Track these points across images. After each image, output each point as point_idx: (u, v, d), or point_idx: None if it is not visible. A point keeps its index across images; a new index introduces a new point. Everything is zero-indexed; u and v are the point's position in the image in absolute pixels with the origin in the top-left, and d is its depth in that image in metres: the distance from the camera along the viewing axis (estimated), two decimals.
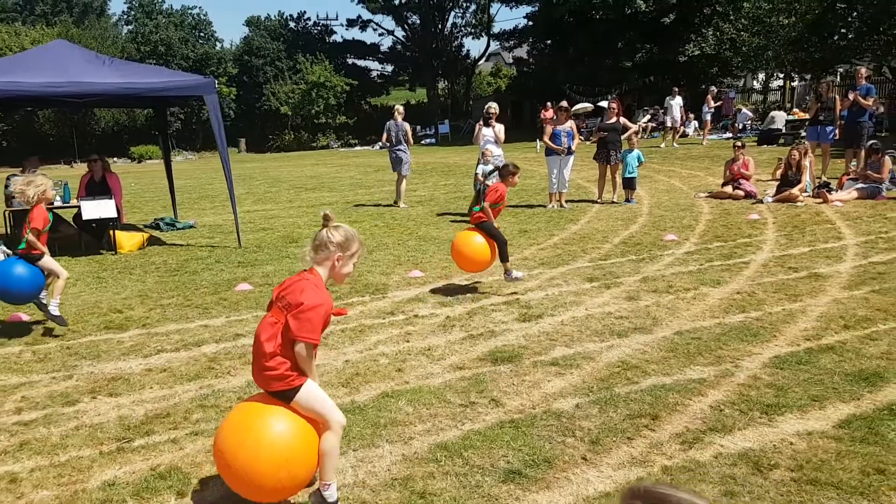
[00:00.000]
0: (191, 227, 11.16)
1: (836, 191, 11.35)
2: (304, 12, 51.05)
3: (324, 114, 43.09)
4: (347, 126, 46.07)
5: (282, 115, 43.90)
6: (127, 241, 9.06)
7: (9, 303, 5.57)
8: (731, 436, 3.43)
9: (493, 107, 11.56)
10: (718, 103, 23.39)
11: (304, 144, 43.54)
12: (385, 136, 13.15)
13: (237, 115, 48.28)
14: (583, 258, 7.75)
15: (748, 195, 11.57)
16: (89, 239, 9.21)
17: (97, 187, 9.93)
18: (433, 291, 6.50)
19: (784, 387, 3.99)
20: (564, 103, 11.98)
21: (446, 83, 55.59)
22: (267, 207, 13.53)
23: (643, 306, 5.77)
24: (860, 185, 11.07)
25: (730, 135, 24.92)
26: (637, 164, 11.89)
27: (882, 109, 19.17)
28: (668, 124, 22.86)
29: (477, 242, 6.26)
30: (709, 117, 23.21)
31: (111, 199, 9.17)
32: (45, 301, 5.44)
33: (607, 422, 3.63)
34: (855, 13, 25.61)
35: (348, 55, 51.10)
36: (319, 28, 51.02)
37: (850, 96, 12.57)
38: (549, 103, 25.01)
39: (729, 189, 11.76)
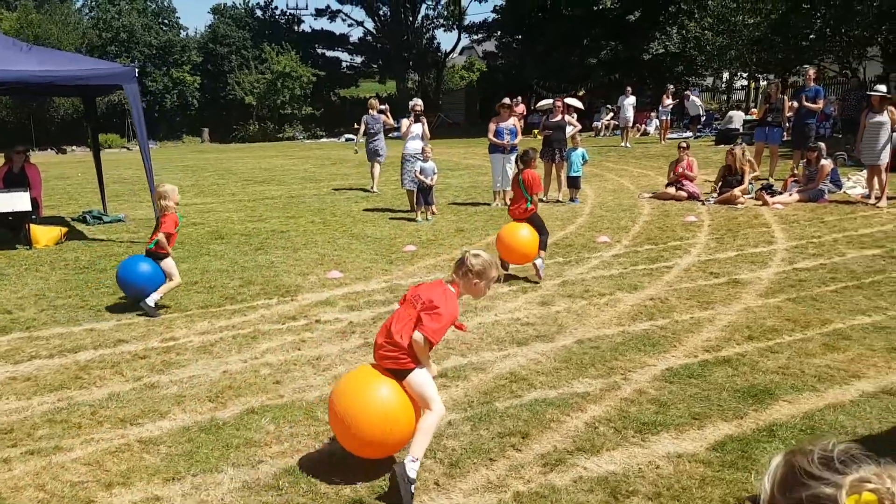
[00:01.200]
0: (119, 220, 10.79)
1: (780, 192, 11.34)
2: (272, 0, 50.26)
3: (290, 104, 42.48)
4: (314, 117, 45.51)
5: (246, 105, 43.18)
6: (43, 235, 8.70)
7: (127, 293, 5.93)
8: (598, 457, 3.27)
9: (419, 104, 11.37)
10: (673, 101, 23.28)
11: (270, 135, 42.89)
12: (363, 128, 13.60)
13: (201, 104, 47.45)
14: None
15: (691, 196, 11.51)
16: (4, 232, 8.83)
17: (14, 179, 9.53)
18: (347, 294, 6.28)
19: (667, 403, 3.85)
20: (507, 100, 11.80)
21: (417, 76, 55.24)
22: (207, 201, 13.18)
23: (553, 312, 5.62)
24: (800, 188, 11.06)
25: (690, 133, 24.99)
26: (582, 162, 11.76)
27: (834, 110, 19.28)
28: (621, 124, 22.64)
29: (523, 236, 6.55)
30: (665, 116, 23.09)
31: (27, 191, 8.79)
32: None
33: (475, 441, 3.45)
34: (818, 14, 25.75)
35: (317, 45, 50.46)
36: (287, 17, 50.27)
37: (796, 101, 12.61)
38: (518, 98, 24.79)
39: (672, 190, 11.69)
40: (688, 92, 24.63)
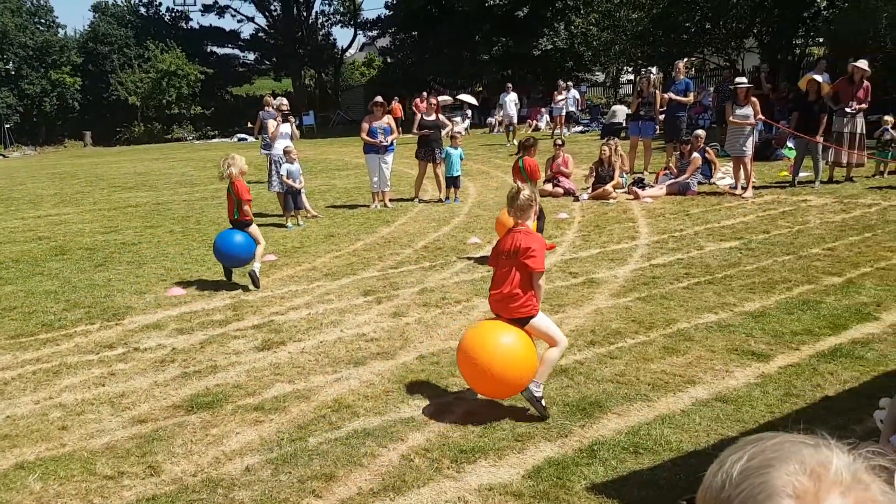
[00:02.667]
0: None
1: (651, 186, 11.52)
2: None
3: (176, 104, 40.56)
4: (205, 117, 43.70)
5: (131, 105, 40.96)
6: None
7: (230, 265, 6.53)
8: (403, 497, 2.98)
9: (285, 102, 10.89)
10: (563, 97, 23.55)
11: (157, 137, 40.87)
12: (258, 126, 13.54)
13: (83, 106, 44.66)
14: (375, 267, 7.24)
15: (567, 192, 11.53)
16: None
17: None
18: (182, 315, 5.76)
19: (493, 424, 3.61)
20: (379, 98, 11.45)
21: (314, 73, 54.07)
22: (63, 211, 12.16)
23: (403, 325, 5.32)
24: (670, 181, 11.27)
25: (580, 128, 25.43)
26: (460, 161, 11.55)
27: (712, 101, 20.03)
28: (504, 122, 22.44)
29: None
30: (558, 113, 23.23)
31: None
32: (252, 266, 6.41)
33: (272, 489, 3.09)
34: (697, 8, 26.68)
35: (206, 43, 48.51)
36: (172, 14, 48.06)
37: (667, 94, 12.87)
38: (424, 93, 24.24)
39: (549, 187, 11.67)
40: (570, 84, 24.71)
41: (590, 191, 11.25)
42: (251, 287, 6.40)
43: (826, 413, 3.61)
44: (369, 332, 5.15)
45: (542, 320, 3.73)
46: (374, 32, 45.76)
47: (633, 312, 5.37)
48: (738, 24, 26.93)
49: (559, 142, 12.07)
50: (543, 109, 27.20)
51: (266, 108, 13.39)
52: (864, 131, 11.19)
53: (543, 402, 3.65)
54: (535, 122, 27.87)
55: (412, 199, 11.68)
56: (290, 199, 9.76)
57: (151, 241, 9.05)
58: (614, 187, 11.22)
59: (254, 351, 4.84)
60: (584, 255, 7.43)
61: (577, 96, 23.61)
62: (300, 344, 4.95)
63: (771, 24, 25.33)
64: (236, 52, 51.75)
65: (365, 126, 11.07)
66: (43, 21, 43.80)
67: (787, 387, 3.94)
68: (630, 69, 33.85)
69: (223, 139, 39.46)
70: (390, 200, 11.45)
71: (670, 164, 12.39)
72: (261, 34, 51.42)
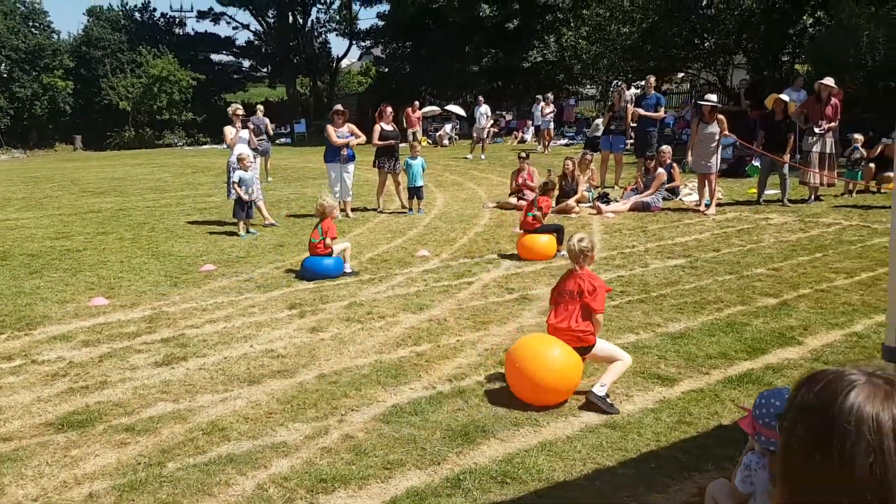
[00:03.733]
0: None
1: (616, 201, 11.40)
2: (149, 2, 47.78)
3: (167, 110, 40.52)
4: (196, 123, 43.64)
5: (121, 110, 40.92)
6: None
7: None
8: None
9: (240, 108, 10.77)
10: (551, 110, 23.44)
11: (148, 142, 40.79)
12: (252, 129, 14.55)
13: (74, 109, 44.64)
14: (314, 279, 7.09)
15: None
16: None
17: None
18: (95, 326, 5.60)
19: (367, 450, 3.44)
20: (339, 107, 11.34)
21: (310, 81, 54.09)
22: (24, 216, 12.01)
23: (317, 340, 5.16)
24: (635, 197, 11.14)
25: (566, 141, 25.32)
26: (422, 171, 11.41)
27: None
28: (474, 135, 21.71)
29: (542, 242, 7.86)
30: (545, 126, 22.82)
31: None
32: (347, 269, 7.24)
33: None
34: (686, 22, 26.61)
35: (200, 49, 48.55)
36: (166, 20, 48.12)
37: (639, 110, 12.76)
38: (416, 102, 23.96)
39: (514, 200, 11.54)
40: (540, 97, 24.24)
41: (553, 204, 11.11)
42: (350, 277, 7.09)
43: (715, 443, 3.45)
44: (278, 348, 4.99)
45: (600, 347, 4.13)
46: (368, 42, 45.72)
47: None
48: (724, 40, 26.92)
49: (523, 154, 11.95)
50: (530, 122, 27.11)
51: (257, 114, 13.28)
52: (835, 150, 11.04)
53: (609, 399, 3.91)
54: (521, 133, 27.82)
55: (375, 210, 11.54)
56: (240, 207, 9.59)
57: (97, 248, 8.90)
58: (577, 201, 11.09)
59: (151, 366, 4.68)
60: (529, 269, 7.29)
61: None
62: (202, 360, 4.79)
63: (757, 41, 25.30)
64: (231, 58, 51.81)
65: (333, 132, 10.93)
66: (37, 25, 43.81)
67: (683, 414, 3.79)
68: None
69: (213, 146, 39.39)
70: (353, 210, 11.31)
71: (637, 179, 12.28)
72: (256, 41, 51.50)
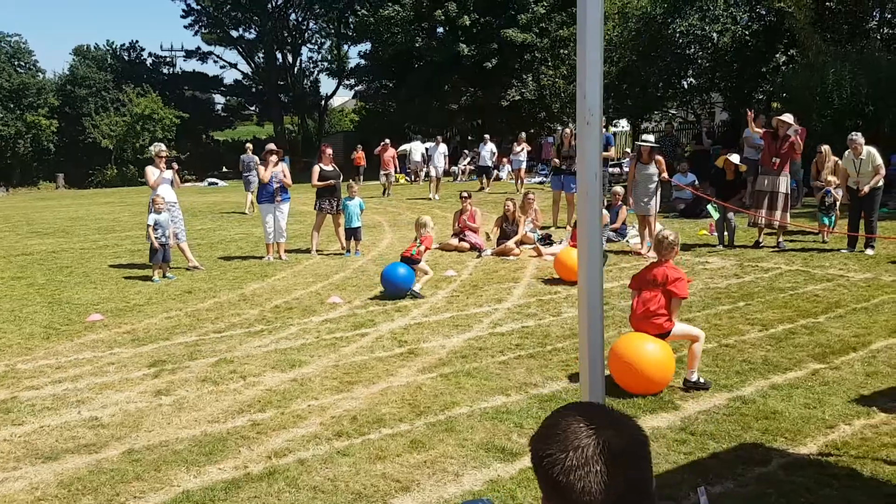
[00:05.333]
0: None
1: (559, 242, 11.01)
2: (137, 41, 48.26)
3: (149, 148, 40.42)
4: (180, 161, 43.54)
5: (104, 148, 40.90)
6: None
7: (392, 291, 7.82)
8: None
9: (163, 148, 10.44)
10: (522, 148, 23.02)
11: (131, 180, 40.65)
12: (241, 165, 17.57)
13: (58, 147, 44.72)
14: (199, 331, 6.65)
15: (473, 247, 10.98)
16: None
17: None
18: None
19: None
20: (272, 146, 11.02)
21: (298, 119, 54.31)
22: None
23: (155, 406, 4.71)
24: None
25: (541, 179, 25.04)
26: (359, 212, 11.03)
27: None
28: (433, 173, 20.54)
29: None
30: (518, 166, 21.55)
31: None
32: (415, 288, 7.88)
33: None
34: (661, 62, 26.51)
35: (186, 87, 48.81)
36: (153, 59, 48.48)
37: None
38: (386, 141, 23.60)
39: (455, 241, 11.15)
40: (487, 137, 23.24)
41: (494, 246, 10.74)
42: (417, 298, 7.72)
43: None
44: (105, 416, 4.53)
45: (678, 328, 4.73)
46: (352, 81, 45.96)
47: (421, 392, 4.77)
48: (699, 80, 26.89)
49: (465, 194, 11.58)
50: (505, 160, 26.87)
51: (247, 152, 12.85)
52: (788, 191, 10.52)
53: (701, 380, 4.63)
54: (496, 171, 27.58)
55: (309, 252, 11.13)
56: (154, 250, 9.16)
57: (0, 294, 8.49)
58: (518, 243, 10.69)
59: None
60: (434, 319, 6.85)
61: (494, 150, 22.36)
62: (16, 428, 4.33)
63: (731, 79, 25.22)
64: (218, 97, 52.11)
65: (267, 173, 10.59)
66: (22, 63, 44.03)
67: (506, 499, 3.32)
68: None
69: (196, 183, 39.26)
70: (287, 252, 10.92)
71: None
72: (244, 80, 51.81)
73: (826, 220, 10.42)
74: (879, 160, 9.42)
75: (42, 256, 11.67)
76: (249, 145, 18.87)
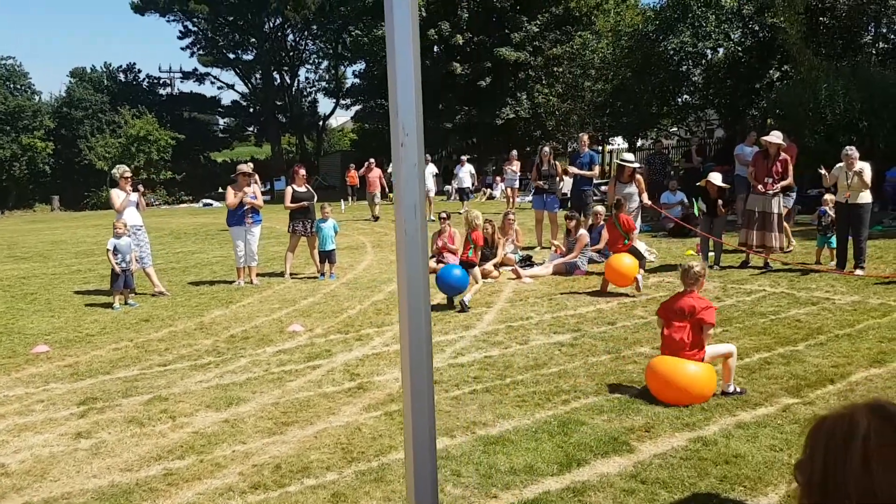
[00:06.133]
0: None
1: (540, 264, 10.67)
2: (134, 64, 48.40)
3: (145, 169, 40.38)
4: (175, 181, 43.50)
5: (99, 170, 40.84)
6: None
7: (445, 291, 8.19)
8: None
9: (127, 170, 10.16)
10: (514, 167, 22.39)
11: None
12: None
13: (54, 170, 44.75)
14: (144, 363, 6.30)
15: None
16: None
17: None
18: None
19: None
20: (246, 168, 10.74)
21: (296, 139, 54.29)
22: None
23: (70, 451, 4.35)
24: (558, 260, 10.40)
25: (530, 197, 24.66)
26: (334, 234, 10.70)
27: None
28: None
29: (626, 263, 8.41)
30: (510, 185, 20.71)
31: None
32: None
33: None
34: (655, 79, 26.22)
35: (184, 109, 48.86)
36: (150, 80, 48.58)
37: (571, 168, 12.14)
38: (371, 160, 23.12)
39: (433, 263, 10.78)
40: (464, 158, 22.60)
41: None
42: (463, 310, 7.88)
43: None
44: (13, 463, 4.18)
45: (708, 355, 4.81)
46: (348, 101, 45.92)
47: (359, 434, 4.41)
48: (693, 97, 26.65)
49: (444, 215, 11.23)
50: (499, 178, 26.58)
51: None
52: (781, 211, 10.11)
53: (738, 389, 4.80)
54: (490, 190, 27.32)
55: (283, 275, 10.80)
56: (115, 277, 8.84)
57: None
58: (497, 265, 10.35)
59: None
60: (394, 349, 6.49)
61: (472, 171, 21.78)
62: None
63: (724, 96, 24.97)
64: (216, 118, 52.13)
65: (233, 199, 10.32)
66: (17, 86, 44.14)
67: None
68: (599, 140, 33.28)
69: (191, 204, 39.13)
70: (259, 276, 10.59)
71: (557, 242, 11.40)
72: (243, 101, 51.85)
73: (823, 242, 9.96)
74: (869, 176, 9.06)
75: (11, 282, 11.37)
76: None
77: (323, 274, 10.65)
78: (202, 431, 4.59)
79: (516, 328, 7.09)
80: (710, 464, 3.79)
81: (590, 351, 6.10)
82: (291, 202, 10.76)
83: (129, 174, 9.89)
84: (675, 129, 31.47)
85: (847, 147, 9.35)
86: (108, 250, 8.88)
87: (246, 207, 10.24)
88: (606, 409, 4.66)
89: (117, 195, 9.74)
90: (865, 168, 9.05)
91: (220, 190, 45.59)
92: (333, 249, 10.74)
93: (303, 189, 10.85)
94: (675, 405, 4.61)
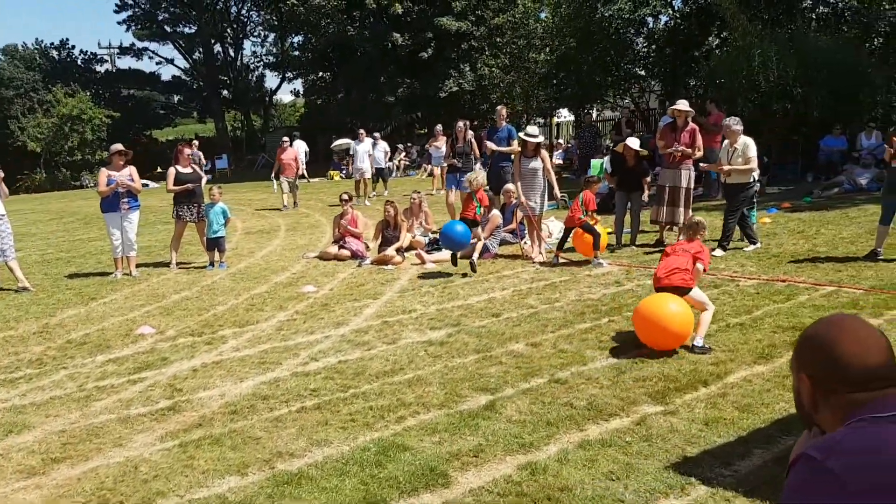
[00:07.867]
0: None
1: None
2: (67, 40, 46.17)
3: (80, 150, 38.59)
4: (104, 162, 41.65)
5: (31, 152, 38.90)
6: None
7: (451, 248, 8.36)
8: None
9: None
10: (441, 144, 19.99)
11: (64, 184, 38.71)
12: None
13: None
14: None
15: (354, 255, 9.86)
16: None
17: None
18: None
19: None
20: (119, 146, 9.81)
21: (241, 115, 52.58)
22: None
23: None
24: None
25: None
26: (224, 220, 9.83)
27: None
28: (355, 176, 17.97)
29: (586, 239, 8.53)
30: (433, 161, 19.41)
31: None
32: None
33: None
34: (598, 49, 25.47)
35: (121, 86, 46.80)
36: (85, 57, 46.36)
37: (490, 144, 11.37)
38: (284, 139, 20.78)
39: (335, 249, 10.02)
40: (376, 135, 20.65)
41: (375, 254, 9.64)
42: (473, 270, 8.24)
43: None
44: None
45: (695, 293, 5.25)
46: (291, 74, 44.42)
47: (132, 475, 3.67)
48: (635, 66, 26.05)
49: (345, 197, 10.43)
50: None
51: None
52: (691, 185, 9.58)
53: (706, 346, 5.03)
54: (430, 166, 26.49)
55: (169, 265, 9.92)
56: None
57: None
58: (400, 250, 9.61)
59: None
60: (243, 354, 5.74)
61: (387, 148, 19.92)
62: None
63: (665, 66, 24.40)
64: (156, 94, 50.12)
65: (103, 178, 9.40)
66: None
67: None
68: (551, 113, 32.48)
69: None
70: (138, 266, 9.71)
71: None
72: (185, 77, 49.88)
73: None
74: (753, 152, 8.48)
75: None
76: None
77: (212, 263, 9.81)
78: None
79: (391, 324, 6.38)
80: (530, 501, 3.14)
81: (458, 351, 5.42)
82: (175, 185, 9.85)
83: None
84: (626, 101, 30.87)
85: (729, 118, 8.82)
86: None
87: (121, 191, 9.33)
88: (441, 427, 3.99)
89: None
90: (749, 144, 8.49)
91: (160, 169, 43.95)
92: (222, 237, 9.86)
93: (188, 170, 9.94)
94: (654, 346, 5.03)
